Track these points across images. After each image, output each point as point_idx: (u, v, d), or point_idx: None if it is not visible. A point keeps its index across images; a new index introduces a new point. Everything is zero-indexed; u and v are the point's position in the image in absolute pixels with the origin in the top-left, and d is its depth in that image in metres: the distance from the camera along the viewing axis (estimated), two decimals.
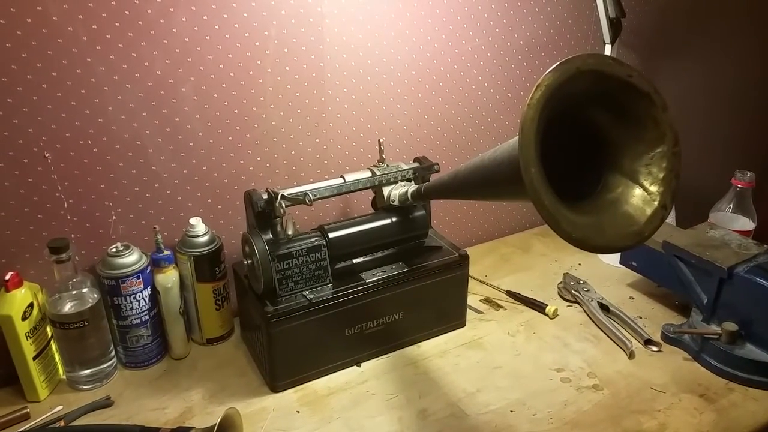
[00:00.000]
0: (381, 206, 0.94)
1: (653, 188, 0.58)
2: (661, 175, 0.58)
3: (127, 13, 0.81)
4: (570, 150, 0.62)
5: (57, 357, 0.87)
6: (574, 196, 0.59)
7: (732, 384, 0.86)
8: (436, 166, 0.94)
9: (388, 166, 0.93)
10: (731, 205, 1.14)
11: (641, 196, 0.59)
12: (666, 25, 1.33)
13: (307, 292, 0.85)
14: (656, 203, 0.58)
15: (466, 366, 0.91)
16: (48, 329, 0.85)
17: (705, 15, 1.38)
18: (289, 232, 0.85)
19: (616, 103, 0.58)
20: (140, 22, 0.82)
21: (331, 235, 0.88)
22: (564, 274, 1.11)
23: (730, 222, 1.13)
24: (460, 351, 0.94)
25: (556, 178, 0.55)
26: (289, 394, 0.85)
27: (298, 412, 0.82)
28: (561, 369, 0.90)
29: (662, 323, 0.96)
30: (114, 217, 0.90)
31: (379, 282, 0.88)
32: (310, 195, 0.83)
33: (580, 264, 1.17)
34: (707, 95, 1.47)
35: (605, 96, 0.58)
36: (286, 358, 0.84)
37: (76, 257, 0.86)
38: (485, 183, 0.66)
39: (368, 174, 0.90)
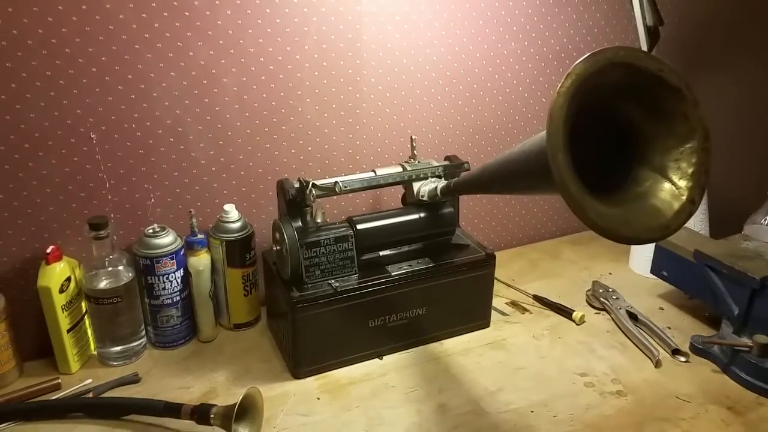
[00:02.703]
0: (410, 202, 0.95)
1: (682, 183, 0.58)
2: (690, 171, 0.58)
3: (176, 3, 0.85)
4: (600, 143, 0.62)
5: (89, 333, 0.90)
6: (603, 189, 0.59)
7: (762, 398, 0.84)
8: (466, 165, 0.95)
9: (419, 162, 0.94)
10: (767, 218, 1.11)
11: (670, 190, 0.58)
12: (706, 37, 1.31)
13: (332, 281, 0.86)
14: (684, 198, 0.58)
15: (488, 365, 0.90)
16: (83, 304, 0.88)
17: (746, 29, 1.36)
18: (318, 220, 0.86)
19: (647, 96, 0.58)
20: (187, 13, 0.86)
21: (359, 226, 0.89)
22: (593, 281, 1.09)
23: (766, 234, 1.10)
24: (483, 350, 0.94)
25: (585, 170, 0.56)
26: (311, 381, 0.86)
27: (318, 398, 0.83)
28: (585, 374, 0.89)
29: (691, 335, 0.94)
30: (152, 200, 0.93)
31: (404, 275, 0.89)
32: (341, 184, 0.85)
33: (610, 273, 1.16)
34: (745, 109, 1.44)
35: (636, 89, 0.58)
36: (309, 345, 0.85)
37: (114, 236, 0.89)
38: (514, 174, 0.67)
39: (399, 169, 0.92)
